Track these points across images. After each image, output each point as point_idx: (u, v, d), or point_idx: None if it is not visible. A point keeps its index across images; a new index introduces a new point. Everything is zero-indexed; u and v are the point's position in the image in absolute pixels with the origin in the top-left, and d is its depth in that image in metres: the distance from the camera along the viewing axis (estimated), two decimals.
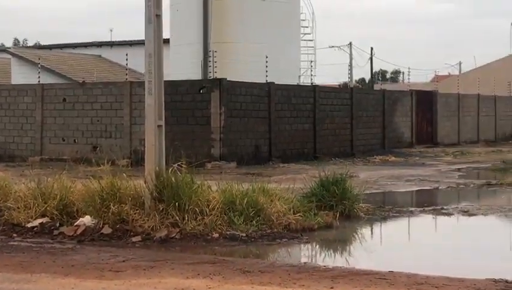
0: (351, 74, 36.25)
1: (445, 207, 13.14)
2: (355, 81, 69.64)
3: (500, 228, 11.89)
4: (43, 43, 57.92)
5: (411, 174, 20.24)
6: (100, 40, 47.22)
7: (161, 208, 9.78)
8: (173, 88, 22.62)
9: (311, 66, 30.34)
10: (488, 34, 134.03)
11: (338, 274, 7.47)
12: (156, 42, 10.28)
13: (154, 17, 10.29)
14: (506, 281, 7.07)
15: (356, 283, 7.00)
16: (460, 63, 70.70)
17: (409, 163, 25.49)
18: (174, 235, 9.47)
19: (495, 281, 7.10)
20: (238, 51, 29.67)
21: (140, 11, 10.52)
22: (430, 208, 13.04)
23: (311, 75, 29.55)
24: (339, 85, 52.58)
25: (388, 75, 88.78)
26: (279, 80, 25.79)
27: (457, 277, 7.28)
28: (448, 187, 17.07)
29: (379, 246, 10.38)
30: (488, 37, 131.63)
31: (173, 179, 9.99)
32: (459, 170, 22.33)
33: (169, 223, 9.66)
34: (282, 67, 28.67)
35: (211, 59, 27.27)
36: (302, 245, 9.64)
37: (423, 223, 12.07)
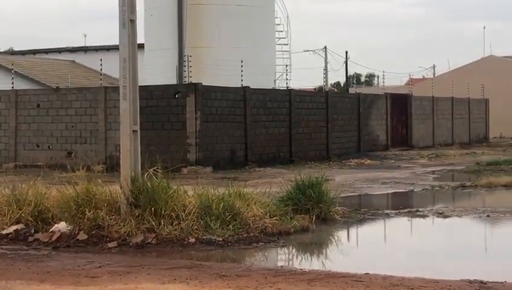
0: (326, 77, 36.42)
1: (420, 209, 13.24)
2: (331, 85, 69.97)
3: (475, 230, 12.01)
4: (15, 48, 57.40)
5: (386, 177, 20.37)
6: (74, 46, 46.93)
7: (137, 214, 9.75)
8: (148, 93, 22.56)
9: (287, 70, 30.43)
10: (461, 37, 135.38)
11: (314, 277, 7.50)
12: (130, 47, 10.25)
13: (128, 22, 10.27)
14: (481, 282, 7.14)
15: (332, 286, 7.03)
16: (434, 66, 71.33)
17: (385, 166, 25.64)
18: (150, 240, 9.44)
19: (470, 282, 7.17)
20: (213, 55, 29.66)
21: (114, 16, 10.51)
22: (405, 211, 13.12)
23: (287, 79, 29.63)
24: (315, 89, 52.79)
25: (363, 79, 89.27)
26: (254, 84, 25.83)
27: (433, 278, 7.34)
28: (423, 189, 17.20)
29: (355, 248, 10.43)
30: (461, 40, 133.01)
31: (149, 184, 9.97)
32: (434, 172, 22.50)
33: (146, 229, 9.63)
34: (258, 71, 28.70)
35: (186, 64, 27.23)
36: (278, 249, 9.66)
37: (399, 225, 12.15)
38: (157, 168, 10.23)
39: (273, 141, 26.15)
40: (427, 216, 12.57)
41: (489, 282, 7.11)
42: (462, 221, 12.21)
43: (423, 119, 37.14)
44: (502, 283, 7.12)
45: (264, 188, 12.29)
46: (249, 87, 25.28)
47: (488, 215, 12.51)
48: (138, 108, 10.41)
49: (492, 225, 12.05)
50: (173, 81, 29.16)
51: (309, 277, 7.50)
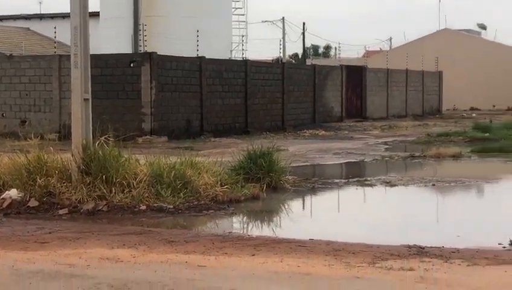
0: (283, 49, 36.58)
1: (368, 179, 13.57)
2: (289, 56, 70.10)
3: (419, 198, 12.36)
4: None
5: (339, 148, 20.70)
6: (29, 13, 46.13)
7: (88, 181, 9.85)
8: (103, 62, 22.45)
9: (243, 41, 30.54)
10: (418, 10, 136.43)
11: (261, 243, 7.72)
12: (81, 15, 10.26)
13: None
14: (420, 247, 7.44)
15: (277, 251, 7.26)
16: (390, 39, 71.90)
17: (338, 137, 26.00)
18: (101, 207, 9.56)
19: (409, 247, 7.47)
20: (169, 25, 29.55)
21: None
22: (354, 180, 13.44)
23: (243, 49, 29.75)
24: (273, 60, 52.89)
25: (320, 51, 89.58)
26: (210, 55, 25.85)
27: (374, 244, 7.62)
28: (373, 160, 17.57)
29: (303, 216, 10.69)
30: (417, 14, 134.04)
31: (100, 152, 10.06)
32: (385, 143, 22.94)
33: (97, 196, 9.74)
34: (214, 41, 28.71)
35: (141, 33, 27.10)
36: (228, 216, 9.87)
37: (347, 194, 12.45)
38: (109, 137, 10.31)
39: (228, 111, 26.28)
40: (374, 185, 12.90)
41: (427, 247, 7.41)
42: (408, 190, 12.57)
43: (378, 91, 37.60)
44: (439, 247, 7.43)
45: (217, 158, 12.47)
46: (204, 57, 25.29)
47: (433, 185, 12.90)
48: (90, 76, 10.45)
49: (436, 194, 12.43)
50: (128, 50, 28.99)
51: (255, 243, 7.72)
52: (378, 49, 66.88)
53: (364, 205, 11.76)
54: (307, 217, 10.71)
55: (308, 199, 12.04)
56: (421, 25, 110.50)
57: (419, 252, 7.24)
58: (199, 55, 25.43)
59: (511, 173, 16.03)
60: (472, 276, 6.20)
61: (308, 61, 49.88)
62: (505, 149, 19.00)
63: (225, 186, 10.76)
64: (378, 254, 7.09)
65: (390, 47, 65.12)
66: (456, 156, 17.63)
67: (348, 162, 17.43)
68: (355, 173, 14.97)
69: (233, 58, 30.70)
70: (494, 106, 48.88)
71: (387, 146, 21.79)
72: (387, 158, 17.89)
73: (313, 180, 13.21)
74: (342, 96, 34.37)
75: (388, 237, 8.31)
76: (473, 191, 13.04)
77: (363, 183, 13.06)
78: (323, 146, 21.32)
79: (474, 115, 42.16)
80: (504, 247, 7.63)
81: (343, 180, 13.57)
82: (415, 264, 6.62)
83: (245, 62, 28.15)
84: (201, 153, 16.68)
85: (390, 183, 12.97)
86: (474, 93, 49.70)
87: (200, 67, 24.95)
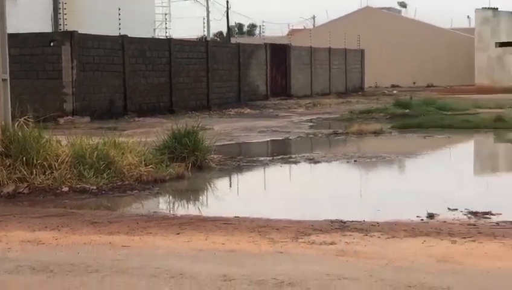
0: (207, 27, 36.51)
1: (293, 156, 13.75)
2: (213, 35, 69.85)
3: (342, 174, 12.62)
4: None
5: (264, 126, 20.85)
6: None
7: (8, 163, 9.64)
8: (22, 41, 21.86)
9: (166, 19, 30.22)
10: None
11: (186, 221, 7.74)
12: None
13: None
14: (342, 221, 7.61)
15: (202, 229, 7.29)
16: (314, 17, 72.61)
17: (263, 115, 26.17)
18: (22, 190, 9.38)
19: (331, 221, 7.62)
20: (89, 2, 28.97)
21: None
22: (279, 157, 13.58)
23: (166, 28, 29.47)
24: (197, 39, 52.60)
25: (245, 29, 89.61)
26: (133, 34, 25.53)
27: (297, 219, 7.75)
28: (298, 137, 17.79)
29: (228, 194, 10.75)
30: None
31: (20, 133, 9.85)
32: (310, 120, 23.23)
33: (17, 178, 9.55)
34: (136, 20, 28.35)
35: (61, 11, 26.50)
36: (153, 196, 9.83)
37: (271, 171, 12.58)
38: (29, 118, 10.10)
39: (153, 90, 26.06)
40: (299, 162, 13.07)
41: (349, 221, 7.59)
42: (331, 166, 12.79)
43: (302, 70, 37.96)
44: (360, 222, 7.61)
45: (141, 138, 12.38)
46: (127, 35, 24.96)
47: (355, 161, 13.17)
48: (7, 56, 10.20)
49: (358, 170, 12.70)
50: (48, 29, 28.32)
51: (180, 221, 7.74)
52: (302, 27, 67.42)
53: (288, 182, 11.92)
54: (232, 195, 10.77)
55: (233, 177, 12.12)
56: (344, 4, 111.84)
57: (341, 226, 7.40)
58: (121, 34, 25.07)
59: (429, 147, 16.48)
60: (391, 248, 6.39)
61: (233, 40, 49.85)
62: (424, 125, 19.52)
63: (149, 166, 10.70)
64: (301, 229, 7.21)
65: (314, 25, 65.74)
66: (377, 133, 18.02)
67: (273, 140, 17.60)
68: (280, 151, 15.13)
69: (157, 37, 30.38)
70: (414, 83, 50.04)
71: (311, 124, 22.07)
72: (311, 135, 18.14)
73: (238, 159, 13.29)
74: (267, 75, 34.55)
75: (312, 213, 8.44)
76: (393, 166, 13.38)
77: (287, 161, 13.21)
78: (249, 124, 21.43)
79: (395, 91, 43.07)
80: (422, 219, 7.89)
81: (268, 158, 13.69)
82: (337, 238, 6.77)
83: (168, 41, 27.93)
84: (125, 133, 16.52)
85: (313, 160, 13.17)
86: (395, 70, 50.74)
87: (122, 46, 24.61)
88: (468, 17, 58.10)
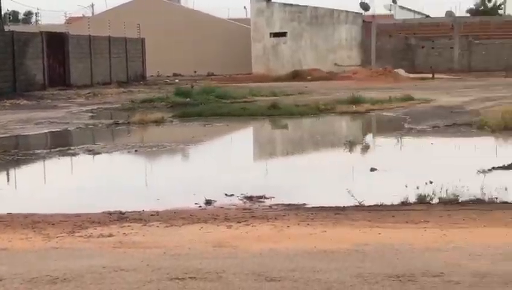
0: None
1: (72, 148, 13.41)
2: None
3: (122, 165, 12.52)
4: None
5: (42, 117, 20.09)
6: None
7: None
8: None
9: None
10: None
11: None
12: None
13: None
14: (120, 213, 7.57)
15: None
16: (92, 5, 71.03)
17: (41, 106, 25.18)
18: None
19: (110, 213, 7.55)
20: None
21: None
22: (57, 150, 13.16)
23: None
24: None
25: (21, 17, 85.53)
26: None
27: (75, 213, 7.58)
28: (77, 128, 17.36)
29: (0, 190, 10.23)
30: None
31: None
32: (90, 111, 22.72)
33: None
34: None
35: None
36: None
37: (49, 164, 12.16)
38: None
39: None
40: (78, 154, 12.76)
41: (128, 212, 7.56)
42: (111, 157, 12.65)
43: (81, 58, 37.02)
44: (139, 212, 7.62)
45: None
46: None
47: (136, 151, 13.13)
48: None
49: (139, 159, 12.69)
50: None
51: None
52: (81, 15, 65.74)
53: (66, 175, 11.58)
54: (6, 190, 10.25)
55: (8, 171, 11.55)
56: None
57: (120, 217, 7.35)
58: None
59: (208, 135, 16.84)
60: (169, 236, 6.46)
61: (7, 28, 47.38)
62: (204, 113, 19.91)
63: None
64: (78, 223, 7.07)
65: (93, 13, 64.38)
66: (158, 122, 18.08)
67: (51, 131, 17.00)
68: (58, 143, 14.68)
69: None
70: (195, 72, 50.79)
71: (91, 114, 21.61)
72: (91, 126, 17.79)
73: (13, 152, 12.72)
74: (44, 64, 33.27)
75: (90, 206, 8.29)
76: (174, 154, 13.51)
77: (65, 153, 12.85)
78: (25, 116, 20.52)
79: (177, 80, 43.46)
80: (200, 206, 8.06)
81: (45, 151, 13.22)
82: (115, 230, 6.72)
83: None
84: None
85: (93, 151, 12.93)
86: (177, 59, 51.18)
87: None
88: (244, 7, 60.04)
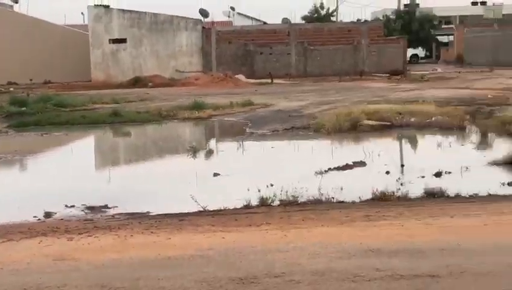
0: None
1: None
2: None
3: None
4: None
5: None
6: None
7: None
8: None
9: None
10: None
11: None
12: None
13: None
14: None
15: None
16: None
17: None
18: None
19: None
20: None
21: None
22: None
23: None
24: None
25: None
26: None
27: None
28: None
29: None
30: None
31: None
32: None
33: None
34: None
35: None
36: None
37: None
38: None
39: None
40: None
41: None
42: None
43: None
44: None
45: None
46: None
47: None
48: None
49: None
50: None
51: None
52: None
53: None
54: None
55: None
56: None
57: None
58: None
59: (46, 145, 16.29)
60: (6, 251, 6.19)
61: None
62: (41, 122, 19.23)
63: None
64: None
65: None
66: None
67: None
68: None
69: None
70: (31, 80, 48.97)
71: None
72: None
73: None
74: None
75: None
76: (10, 166, 12.95)
77: None
78: None
79: (12, 89, 41.67)
80: (39, 219, 7.79)
81: None
82: None
83: None
84: None
85: None
86: (11, 67, 49.14)
87: None
88: (82, 13, 58.70)
